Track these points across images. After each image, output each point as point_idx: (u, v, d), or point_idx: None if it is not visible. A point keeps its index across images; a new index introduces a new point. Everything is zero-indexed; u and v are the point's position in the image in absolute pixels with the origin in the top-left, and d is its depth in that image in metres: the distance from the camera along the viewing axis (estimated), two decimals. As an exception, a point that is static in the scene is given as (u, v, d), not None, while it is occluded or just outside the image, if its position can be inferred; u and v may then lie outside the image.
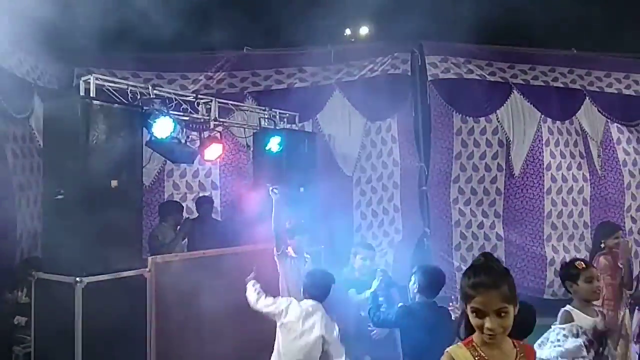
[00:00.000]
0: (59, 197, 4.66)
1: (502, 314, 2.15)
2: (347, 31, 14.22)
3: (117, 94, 5.17)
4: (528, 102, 8.46)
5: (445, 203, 8.41)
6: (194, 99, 6.13)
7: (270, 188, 5.23)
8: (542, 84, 8.60)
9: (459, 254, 8.37)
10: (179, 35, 6.97)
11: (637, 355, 5.21)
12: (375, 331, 4.89)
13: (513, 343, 2.28)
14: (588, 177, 8.51)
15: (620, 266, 5.39)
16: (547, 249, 8.34)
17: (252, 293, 4.55)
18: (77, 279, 4.46)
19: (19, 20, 6.11)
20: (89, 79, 4.98)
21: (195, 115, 6.12)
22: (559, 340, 3.57)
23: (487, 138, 8.43)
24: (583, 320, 3.67)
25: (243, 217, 6.66)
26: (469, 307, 2.21)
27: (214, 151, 6.42)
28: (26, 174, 6.85)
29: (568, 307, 3.74)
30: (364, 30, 14.23)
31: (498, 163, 8.42)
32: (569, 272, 3.82)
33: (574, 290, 3.78)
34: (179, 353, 5.17)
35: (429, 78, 8.38)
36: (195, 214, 7.37)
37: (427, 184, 8.32)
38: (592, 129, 8.57)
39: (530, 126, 8.43)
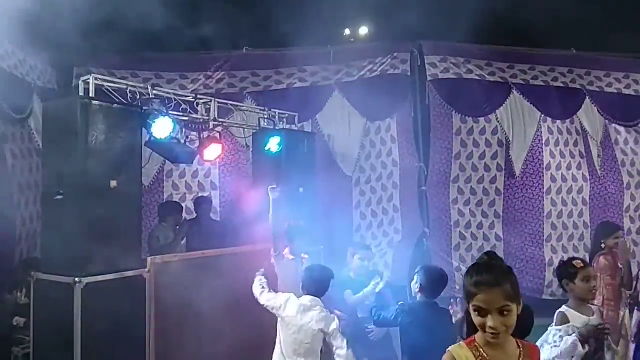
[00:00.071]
0: (58, 197, 4.65)
1: (505, 312, 2.13)
2: (347, 31, 14.22)
3: (116, 94, 5.17)
4: (527, 101, 8.46)
5: (445, 203, 8.41)
6: (193, 99, 6.13)
7: (270, 187, 5.24)
8: (542, 83, 8.61)
9: (457, 254, 8.37)
10: (178, 35, 6.97)
11: (633, 354, 5.21)
12: (372, 332, 4.90)
13: (517, 343, 2.27)
14: (587, 177, 8.52)
15: (620, 266, 5.40)
16: (546, 249, 8.34)
17: (257, 287, 4.61)
18: (76, 279, 4.45)
19: (18, 21, 6.10)
20: (88, 78, 4.97)
21: (194, 115, 6.12)
22: (555, 342, 3.58)
23: (486, 138, 8.43)
24: (578, 319, 3.68)
25: (242, 217, 6.66)
26: (471, 305, 2.19)
27: (213, 151, 6.41)
28: (25, 174, 6.85)
29: (563, 308, 3.75)
30: (363, 30, 14.24)
31: (497, 163, 8.42)
32: (566, 270, 3.82)
33: (570, 289, 3.78)
34: (178, 353, 5.17)
35: (428, 78, 8.38)
36: (194, 214, 7.37)
37: (426, 184, 8.31)
38: (592, 128, 8.58)
39: (530, 126, 8.44)
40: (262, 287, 4.58)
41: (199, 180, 8.14)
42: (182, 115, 5.93)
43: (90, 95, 4.88)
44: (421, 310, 4.05)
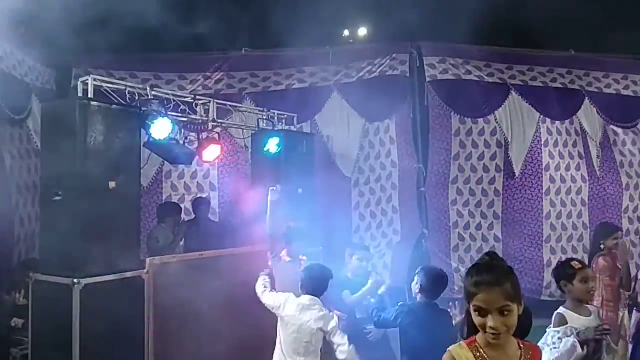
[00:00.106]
0: (57, 198, 4.64)
1: (505, 312, 2.12)
2: (346, 32, 14.22)
3: (114, 95, 5.16)
4: (526, 102, 8.47)
5: (443, 204, 8.41)
6: (192, 100, 6.12)
7: (270, 188, 5.23)
8: (541, 84, 8.62)
9: (456, 255, 8.37)
10: (177, 36, 6.97)
11: (630, 354, 5.21)
12: (371, 333, 4.90)
13: (518, 344, 2.25)
14: (586, 178, 8.52)
15: (619, 267, 5.40)
16: (545, 249, 8.34)
17: (260, 286, 4.63)
18: (75, 280, 4.44)
19: (17, 22, 6.10)
20: (87, 79, 4.96)
21: (193, 116, 6.11)
22: (554, 343, 3.58)
23: (485, 139, 8.43)
24: (576, 320, 3.68)
25: (240, 218, 6.66)
26: (471, 305, 2.18)
27: (212, 152, 6.40)
28: (23, 175, 6.84)
29: (561, 310, 3.74)
30: (362, 31, 14.23)
31: (496, 164, 8.42)
32: (564, 271, 3.82)
33: (568, 290, 3.78)
34: (177, 354, 5.16)
35: (427, 79, 8.38)
36: (192, 215, 7.36)
37: (425, 185, 8.31)
38: (592, 129, 8.59)
39: (529, 126, 8.44)
40: (265, 287, 4.60)
41: (197, 181, 8.14)
42: (181, 116, 5.92)
43: (89, 96, 4.87)
44: (421, 311, 4.05)
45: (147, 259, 5.08)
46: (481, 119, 8.44)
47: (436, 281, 4.14)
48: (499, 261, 2.33)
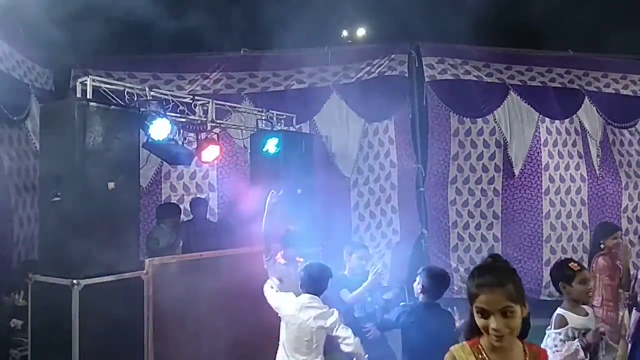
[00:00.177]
0: (56, 199, 4.64)
1: (508, 314, 2.10)
2: (344, 33, 14.22)
3: (113, 96, 5.15)
4: (525, 102, 8.47)
5: (443, 204, 8.41)
6: (191, 101, 6.11)
7: (272, 191, 5.22)
8: (539, 84, 8.62)
9: (456, 255, 8.37)
10: (176, 36, 6.97)
11: (629, 353, 5.22)
12: (370, 332, 4.90)
13: (523, 347, 2.23)
14: (586, 177, 8.52)
15: (619, 267, 5.40)
16: (545, 249, 8.35)
17: (267, 287, 4.64)
18: (74, 281, 4.44)
19: (16, 23, 6.10)
20: (86, 80, 4.96)
21: (192, 117, 6.10)
22: (556, 346, 3.57)
23: (484, 139, 8.43)
24: (576, 320, 3.68)
25: (239, 219, 6.65)
26: (474, 307, 2.16)
27: (211, 153, 6.40)
28: (22, 176, 6.84)
29: (560, 311, 3.74)
30: (360, 32, 14.24)
31: (495, 164, 8.43)
32: (563, 273, 3.80)
33: (567, 292, 3.77)
34: (176, 354, 5.16)
35: (426, 79, 8.39)
36: (190, 216, 7.36)
37: (425, 185, 8.31)
38: (592, 128, 8.60)
39: (529, 126, 8.45)
40: (271, 287, 4.61)
41: (197, 182, 8.14)
42: (180, 117, 5.92)
43: (88, 97, 4.86)
44: (423, 311, 4.06)
45: (147, 260, 5.08)
46: (480, 119, 8.45)
47: (438, 281, 4.14)
48: (502, 263, 2.31)
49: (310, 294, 4.27)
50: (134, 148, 5.10)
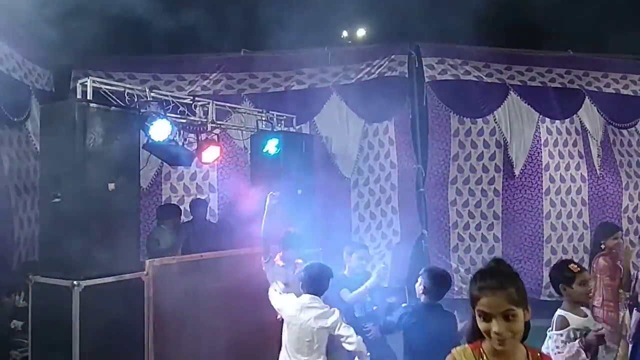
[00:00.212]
0: (56, 200, 4.63)
1: (510, 318, 2.09)
2: (344, 33, 14.24)
3: (114, 97, 5.15)
4: (525, 102, 8.47)
5: (443, 205, 8.41)
6: (191, 102, 6.11)
7: (271, 193, 5.22)
8: (540, 84, 8.62)
9: (456, 255, 8.36)
10: (176, 37, 6.97)
11: (630, 353, 5.21)
12: (370, 332, 4.91)
13: (527, 352, 2.21)
14: (586, 177, 8.51)
15: (620, 267, 5.40)
16: (546, 250, 8.34)
17: (272, 290, 4.64)
18: (75, 282, 4.44)
19: (16, 24, 6.11)
20: (86, 81, 4.96)
21: (192, 118, 6.10)
22: (557, 347, 3.57)
23: (484, 139, 8.43)
24: (577, 321, 3.68)
25: (239, 219, 6.65)
26: (476, 311, 2.15)
27: (211, 153, 6.40)
28: (22, 178, 6.84)
29: (561, 312, 3.73)
30: (360, 32, 14.26)
31: (496, 164, 8.42)
32: (563, 275, 3.79)
33: (567, 294, 3.76)
34: (177, 356, 5.16)
35: (426, 80, 8.38)
36: (190, 217, 7.36)
37: (425, 186, 8.30)
38: (593, 127, 8.59)
39: (529, 126, 8.44)
40: (275, 290, 4.61)
41: (197, 183, 8.14)
42: (180, 118, 5.92)
43: (88, 98, 4.86)
44: (425, 312, 4.06)
45: (147, 261, 5.08)
46: (480, 119, 8.44)
47: (440, 282, 4.14)
48: (505, 267, 2.30)
49: (311, 294, 4.28)
50: (134, 149, 5.10)
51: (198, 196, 7.91)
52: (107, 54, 7.98)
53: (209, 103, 6.30)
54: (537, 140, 8.44)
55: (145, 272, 4.96)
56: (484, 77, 8.53)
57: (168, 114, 5.54)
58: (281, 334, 4.38)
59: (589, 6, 9.69)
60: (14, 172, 6.69)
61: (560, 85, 8.66)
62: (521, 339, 2.19)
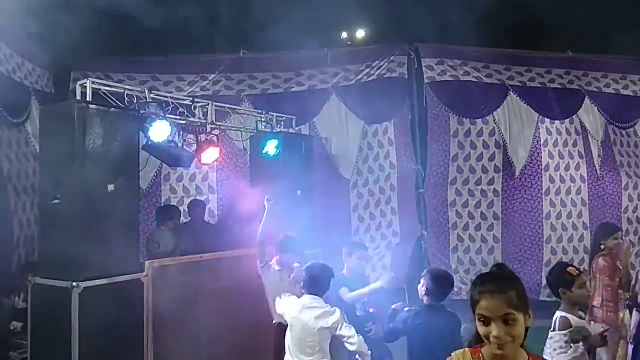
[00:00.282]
0: (55, 201, 4.63)
1: (510, 322, 2.06)
2: (344, 34, 14.25)
3: (113, 98, 5.15)
4: (525, 103, 8.47)
5: (442, 205, 8.41)
6: (190, 103, 6.12)
7: (265, 197, 5.22)
8: (539, 85, 8.63)
9: (455, 256, 8.36)
10: (175, 38, 6.98)
11: (632, 354, 5.22)
12: (371, 331, 4.91)
13: (528, 358, 2.18)
14: (586, 178, 8.51)
15: (619, 267, 5.40)
16: (545, 250, 8.34)
17: (277, 300, 4.63)
18: (74, 283, 4.44)
19: (16, 25, 6.11)
20: (85, 82, 4.96)
21: (191, 119, 6.10)
22: (561, 347, 3.58)
23: (483, 139, 8.43)
24: (578, 322, 3.70)
25: (238, 220, 6.65)
26: (475, 314, 2.14)
27: (210, 154, 6.40)
28: (22, 179, 6.84)
29: (562, 313, 3.73)
30: (360, 33, 14.26)
31: (495, 165, 8.43)
32: (563, 278, 3.80)
33: (567, 297, 3.76)
34: (176, 357, 5.15)
35: (426, 81, 8.39)
36: (188, 218, 7.36)
37: (424, 187, 8.30)
38: (593, 127, 8.59)
39: (528, 127, 8.45)
40: (279, 298, 4.61)
41: (196, 184, 8.14)
42: (180, 119, 5.92)
43: (87, 99, 4.87)
44: (427, 313, 4.06)
45: (146, 262, 5.08)
46: (479, 119, 8.45)
47: (442, 283, 4.15)
48: (506, 271, 2.31)
49: (312, 294, 4.28)
50: (133, 150, 5.09)
51: (197, 197, 7.90)
52: (107, 54, 7.98)
53: (208, 104, 6.30)
54: (537, 141, 8.45)
55: (144, 273, 4.96)
56: (483, 77, 8.53)
57: (167, 115, 5.54)
58: (283, 336, 4.38)
59: (588, 7, 9.69)
60: (13, 174, 6.69)
61: (559, 86, 8.67)
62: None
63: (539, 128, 8.47)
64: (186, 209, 7.51)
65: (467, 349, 2.26)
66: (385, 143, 8.34)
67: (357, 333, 4.19)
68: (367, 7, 10.18)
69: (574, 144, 8.55)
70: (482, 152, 8.43)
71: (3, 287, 5.95)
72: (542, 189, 8.43)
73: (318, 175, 7.52)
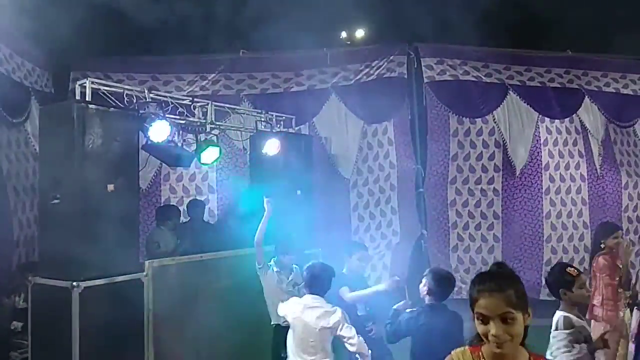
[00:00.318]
0: (55, 201, 4.63)
1: (508, 320, 2.06)
2: (343, 34, 14.24)
3: (113, 98, 5.15)
4: (524, 102, 8.48)
5: (442, 205, 8.41)
6: (190, 102, 6.12)
7: (265, 199, 5.21)
8: (539, 84, 8.63)
9: (455, 255, 8.36)
10: (175, 37, 6.97)
11: (634, 354, 5.21)
12: (372, 331, 4.91)
13: (529, 357, 2.18)
14: (586, 177, 8.52)
15: (619, 266, 5.40)
16: (546, 249, 8.34)
17: (280, 304, 4.62)
18: (74, 283, 4.43)
19: (16, 25, 6.11)
20: (85, 82, 4.96)
21: (191, 119, 6.10)
22: (566, 346, 3.58)
23: (483, 139, 8.44)
24: (578, 323, 3.71)
25: (238, 220, 6.65)
26: (474, 313, 2.14)
27: (210, 154, 6.39)
28: (22, 179, 6.84)
29: (565, 313, 3.73)
30: (359, 33, 14.25)
31: (495, 164, 8.43)
32: (563, 279, 3.80)
33: (568, 297, 3.76)
34: (177, 356, 5.16)
35: (425, 80, 8.39)
36: (188, 218, 7.36)
37: (424, 186, 8.31)
38: (593, 126, 8.59)
39: (528, 126, 8.46)
40: (282, 303, 4.59)
41: (196, 184, 8.14)
42: (179, 119, 5.92)
43: (87, 99, 4.86)
44: (430, 313, 4.06)
45: (146, 262, 5.08)
46: (479, 119, 8.46)
47: (444, 283, 4.15)
48: (506, 270, 2.30)
49: (314, 294, 4.27)
50: (133, 150, 5.09)
51: (197, 197, 7.90)
52: (106, 54, 7.98)
53: (208, 104, 6.30)
54: (537, 140, 8.46)
55: (144, 273, 4.96)
56: (483, 77, 8.54)
57: (167, 115, 5.53)
58: (281, 338, 4.38)
59: (588, 6, 9.69)
60: (13, 174, 6.69)
61: (559, 85, 8.67)
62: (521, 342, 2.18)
63: (538, 127, 8.47)
64: (185, 209, 7.51)
65: (467, 347, 2.26)
66: (385, 143, 8.35)
67: (357, 334, 4.19)
68: (367, 7, 10.18)
69: (574, 143, 8.55)
70: (482, 151, 8.43)
71: (3, 287, 5.95)
72: (542, 188, 8.44)
73: (318, 175, 7.52)
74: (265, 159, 6.83)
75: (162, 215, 6.92)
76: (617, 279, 5.37)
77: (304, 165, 7.13)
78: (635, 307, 5.38)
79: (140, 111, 5.28)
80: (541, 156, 8.45)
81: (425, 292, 4.15)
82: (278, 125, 7.18)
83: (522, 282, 2.21)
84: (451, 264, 8.24)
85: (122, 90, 5.31)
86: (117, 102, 5.13)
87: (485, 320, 2.10)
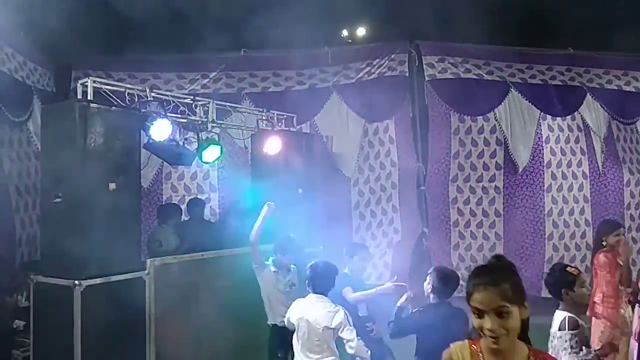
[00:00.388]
0: (57, 200, 4.64)
1: (503, 314, 2.06)
2: (344, 32, 14.22)
3: (114, 97, 5.16)
4: (526, 100, 8.47)
5: (444, 203, 8.41)
6: (191, 101, 6.12)
7: (268, 202, 5.20)
8: (540, 82, 8.62)
9: (457, 253, 8.36)
10: (176, 36, 6.97)
11: (637, 352, 5.21)
12: (373, 330, 4.91)
13: (529, 353, 2.17)
14: (588, 174, 8.51)
15: (620, 263, 5.40)
16: (547, 247, 8.34)
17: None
18: (76, 282, 4.45)
19: (18, 24, 6.12)
20: (87, 81, 4.96)
21: (192, 117, 6.10)
22: (572, 347, 3.57)
23: (484, 137, 8.43)
24: (582, 324, 3.70)
25: (239, 218, 6.65)
26: (470, 307, 2.14)
27: (211, 153, 6.39)
28: (24, 178, 6.85)
29: (568, 314, 3.72)
30: (360, 32, 14.23)
31: (496, 162, 8.42)
32: (564, 279, 3.78)
33: (569, 297, 3.75)
34: (178, 355, 5.17)
35: (427, 78, 8.39)
36: (188, 217, 7.36)
37: (425, 184, 8.32)
38: (595, 124, 8.57)
39: (530, 124, 8.45)
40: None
41: (197, 183, 8.15)
42: (181, 117, 5.92)
43: (89, 98, 4.87)
44: (435, 311, 4.06)
45: (148, 260, 5.09)
46: (481, 117, 8.45)
47: (448, 281, 4.16)
48: (504, 263, 2.29)
49: (317, 293, 4.27)
50: (134, 149, 5.11)
51: (199, 196, 7.91)
52: (107, 53, 7.98)
53: (209, 102, 6.30)
54: (539, 138, 8.45)
55: (146, 272, 4.97)
56: (484, 75, 8.53)
57: (168, 114, 5.54)
58: (278, 338, 4.38)
59: (589, 4, 9.67)
60: (15, 173, 6.70)
61: (560, 83, 8.66)
62: (520, 336, 2.17)
63: (540, 125, 8.46)
64: (186, 208, 7.51)
65: (467, 341, 2.27)
66: (386, 141, 8.34)
67: (357, 336, 4.18)
68: (368, 5, 10.17)
69: (576, 141, 8.54)
70: (483, 149, 8.43)
71: (6, 285, 5.96)
72: (544, 185, 8.43)
73: (319, 173, 7.53)
74: (266, 158, 6.83)
75: (164, 213, 6.92)
76: (618, 276, 5.37)
77: (305, 164, 7.14)
78: (637, 304, 5.38)
79: (142, 110, 5.29)
80: (543, 154, 8.44)
81: (429, 290, 4.16)
82: (279, 124, 7.18)
83: (518, 275, 2.21)
84: (452, 262, 8.23)
85: (123, 89, 5.32)
86: (118, 100, 5.14)
87: (480, 314, 2.10)
